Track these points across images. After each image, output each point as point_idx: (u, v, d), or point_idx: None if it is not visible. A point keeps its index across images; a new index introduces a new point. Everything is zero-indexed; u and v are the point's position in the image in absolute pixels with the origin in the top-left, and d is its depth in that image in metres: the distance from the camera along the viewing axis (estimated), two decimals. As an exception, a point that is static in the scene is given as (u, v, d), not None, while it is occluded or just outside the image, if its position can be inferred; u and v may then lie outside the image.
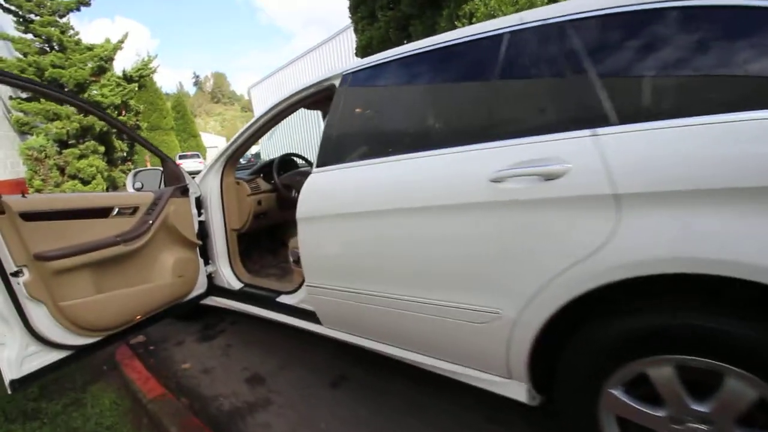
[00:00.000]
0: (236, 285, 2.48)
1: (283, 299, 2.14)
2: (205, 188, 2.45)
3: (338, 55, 16.89)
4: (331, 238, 1.68)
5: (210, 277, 2.54)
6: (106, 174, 9.75)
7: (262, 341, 2.53)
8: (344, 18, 15.80)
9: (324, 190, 1.70)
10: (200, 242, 2.41)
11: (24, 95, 8.73)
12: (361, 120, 1.77)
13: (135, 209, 2.01)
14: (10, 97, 8.63)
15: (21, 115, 8.78)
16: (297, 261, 2.33)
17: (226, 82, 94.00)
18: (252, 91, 24.42)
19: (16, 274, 1.52)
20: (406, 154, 1.43)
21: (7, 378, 1.55)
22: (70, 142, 9.26)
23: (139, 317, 2.01)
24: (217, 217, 2.46)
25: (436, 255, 1.32)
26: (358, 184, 1.56)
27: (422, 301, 1.38)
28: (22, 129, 8.82)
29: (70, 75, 9.10)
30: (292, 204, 1.85)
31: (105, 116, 2.01)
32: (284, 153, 3.01)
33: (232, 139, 2.35)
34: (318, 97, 1.94)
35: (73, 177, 9.18)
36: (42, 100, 8.64)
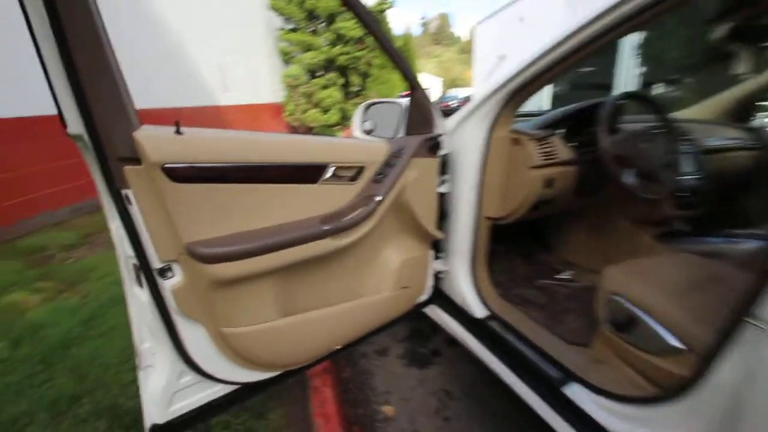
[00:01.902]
0: (477, 310, 1.47)
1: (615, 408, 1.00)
2: (458, 144, 1.41)
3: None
4: None
5: (436, 277, 1.61)
6: (338, 106, 10.43)
7: (496, 399, 1.50)
8: None
9: None
10: (442, 235, 1.46)
11: (289, 26, 9.81)
12: None
13: (358, 171, 1.14)
14: (279, 29, 9.82)
15: (285, 45, 9.97)
16: (623, 326, 1.12)
17: (448, 23, 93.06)
18: (478, 28, 22.54)
19: (162, 272, 0.84)
20: None
21: (149, 420, 0.96)
22: (317, 73, 10.15)
23: (338, 347, 1.23)
24: (467, 194, 1.43)
25: None
26: None
27: None
28: (285, 58, 10.05)
29: (324, 6, 9.66)
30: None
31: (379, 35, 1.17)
32: (628, 92, 1.53)
33: (521, 63, 1.18)
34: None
35: (315, 105, 10.13)
36: (301, 31, 9.54)
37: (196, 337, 0.95)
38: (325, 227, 1.01)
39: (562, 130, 1.56)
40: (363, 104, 1.61)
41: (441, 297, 1.65)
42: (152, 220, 0.80)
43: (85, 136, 0.72)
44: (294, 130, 9.95)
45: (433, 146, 1.31)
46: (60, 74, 0.68)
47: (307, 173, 1.02)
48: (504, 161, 1.42)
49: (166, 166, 0.76)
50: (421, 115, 1.35)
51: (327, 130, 10.45)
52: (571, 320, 1.54)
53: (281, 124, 9.69)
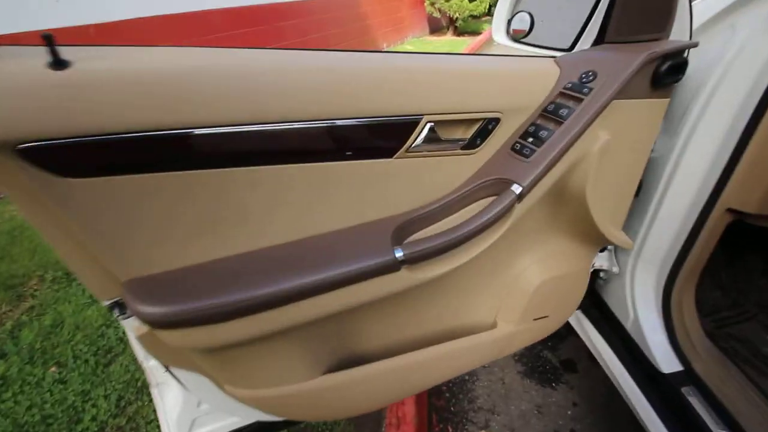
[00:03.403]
0: (662, 359, 0.88)
1: None
2: (707, 62, 0.67)
3: None
4: None
5: (597, 277, 1.02)
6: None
7: None
8: None
9: None
10: (631, 245, 0.82)
11: None
12: None
13: (485, 128, 0.57)
14: None
15: None
16: None
17: None
18: None
19: (113, 309, 0.50)
20: None
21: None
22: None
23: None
24: (700, 165, 0.72)
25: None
26: None
27: None
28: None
29: None
30: None
31: None
32: None
33: None
34: None
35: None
36: None
37: (196, 381, 0.65)
38: (405, 252, 0.52)
39: None
40: None
41: (594, 303, 1.07)
42: (56, 240, 0.43)
43: None
44: (434, 23, 8.70)
45: (666, 72, 0.60)
46: None
47: (370, 139, 0.51)
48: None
49: (23, 147, 0.35)
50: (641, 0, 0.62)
51: (473, 24, 8.85)
52: None
53: (420, 15, 8.51)
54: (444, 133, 0.55)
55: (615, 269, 0.99)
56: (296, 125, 0.46)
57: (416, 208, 0.57)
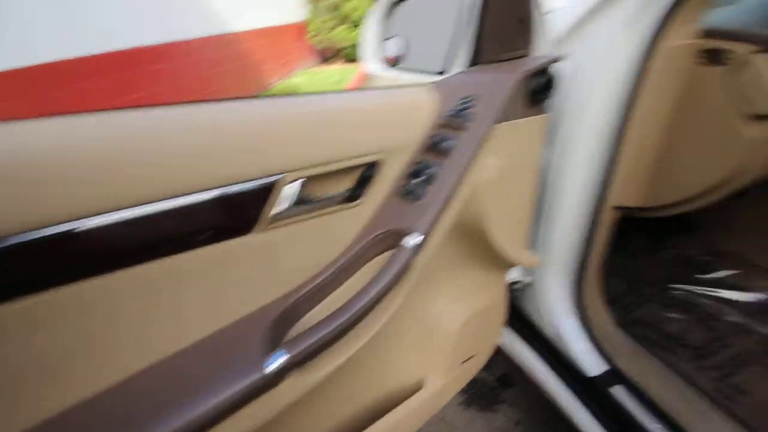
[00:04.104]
0: (586, 362, 0.88)
1: None
2: (574, 69, 0.68)
3: None
4: None
5: (513, 289, 1.00)
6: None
7: None
8: None
9: None
10: (538, 262, 0.80)
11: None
12: None
13: (365, 175, 0.48)
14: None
15: (302, -53, 8.44)
16: None
17: None
18: None
19: None
20: None
21: None
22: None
23: None
24: (584, 167, 0.73)
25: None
26: None
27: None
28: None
29: None
30: None
31: None
32: None
33: None
34: None
35: (344, 20, 8.82)
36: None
37: None
38: (289, 353, 0.39)
39: None
40: (379, 8, 0.84)
41: (514, 315, 1.05)
42: None
43: None
44: (321, 54, 8.84)
45: (539, 88, 0.58)
46: None
47: (214, 216, 0.38)
48: (678, 101, 0.68)
49: None
50: (509, 16, 0.60)
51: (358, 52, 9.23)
52: (756, 381, 0.88)
53: (306, 48, 8.59)
54: (316, 190, 0.45)
55: (528, 279, 0.98)
56: (97, 221, 0.32)
57: (295, 288, 0.46)
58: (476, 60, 0.63)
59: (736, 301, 1.08)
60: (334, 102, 0.50)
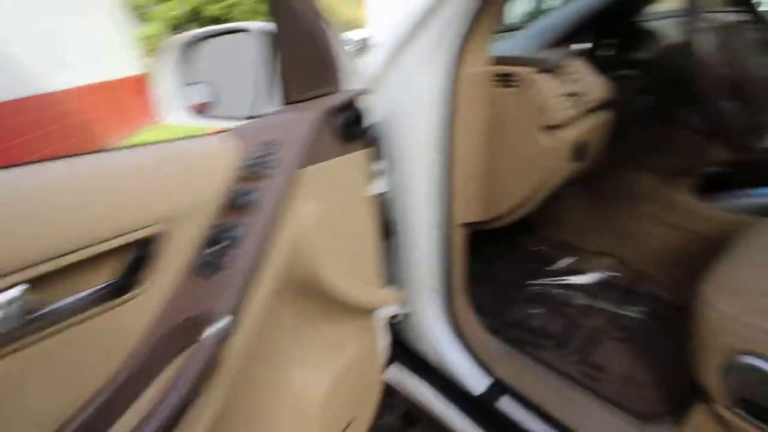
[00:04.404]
0: (470, 379, 0.88)
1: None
2: (392, 102, 0.69)
3: None
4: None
5: (393, 326, 0.95)
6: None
7: None
8: None
9: None
10: (397, 306, 0.77)
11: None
12: None
13: (141, 254, 0.36)
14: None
15: (134, -3, 7.87)
16: None
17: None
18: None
19: None
20: None
21: None
22: (182, 30, 8.29)
23: None
24: (424, 191, 0.75)
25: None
26: None
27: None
28: (139, 14, 7.97)
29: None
30: None
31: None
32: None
33: None
34: None
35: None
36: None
37: None
38: None
39: (585, 45, 0.87)
40: (174, 41, 0.73)
41: (404, 351, 1.01)
42: None
43: None
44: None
45: (349, 123, 0.55)
46: None
47: None
48: (487, 121, 0.73)
49: None
50: (311, 53, 0.56)
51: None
52: (609, 355, 0.98)
53: (147, 102, 7.81)
54: (64, 287, 0.32)
55: (406, 309, 0.95)
56: None
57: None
58: (284, 101, 0.58)
59: (581, 285, 1.22)
60: (100, 162, 0.38)
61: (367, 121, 0.57)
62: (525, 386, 0.86)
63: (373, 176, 0.63)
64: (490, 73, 0.73)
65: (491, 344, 0.97)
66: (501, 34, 1.01)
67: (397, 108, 0.73)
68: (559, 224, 1.40)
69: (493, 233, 0.94)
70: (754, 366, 0.57)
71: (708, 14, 0.73)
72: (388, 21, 0.77)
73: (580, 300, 1.16)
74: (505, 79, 0.73)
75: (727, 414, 0.63)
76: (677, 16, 0.98)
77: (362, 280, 0.64)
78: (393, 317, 0.97)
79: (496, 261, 1.36)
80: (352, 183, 0.59)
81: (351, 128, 0.54)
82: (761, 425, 0.58)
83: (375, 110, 0.72)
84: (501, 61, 0.74)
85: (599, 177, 1.20)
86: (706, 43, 0.66)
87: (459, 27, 0.64)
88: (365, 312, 0.71)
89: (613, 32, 0.89)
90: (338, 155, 0.53)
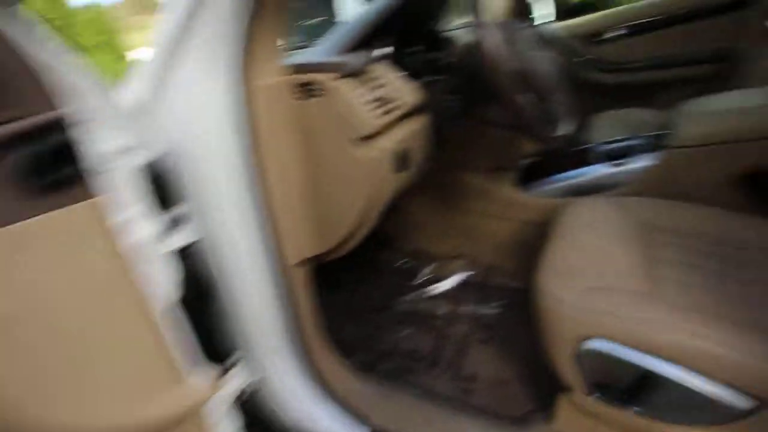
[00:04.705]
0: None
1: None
2: (173, 132, 0.52)
3: None
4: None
5: (245, 402, 0.76)
6: None
7: None
8: None
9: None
10: (215, 374, 0.57)
11: None
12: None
13: None
14: None
15: None
16: (628, 391, 0.58)
17: (150, -15, 78.40)
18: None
19: None
20: None
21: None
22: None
23: None
24: (242, 231, 0.61)
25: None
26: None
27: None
28: None
29: None
30: None
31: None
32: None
33: None
34: None
35: None
36: None
37: None
38: None
39: (387, 49, 0.81)
40: None
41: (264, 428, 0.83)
42: None
43: None
44: None
45: (45, 161, 0.34)
46: None
47: None
48: (297, 140, 0.61)
49: None
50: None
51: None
52: (478, 362, 0.95)
53: None
54: None
55: (256, 377, 0.77)
56: None
57: None
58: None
59: (444, 293, 1.20)
60: None
61: (85, 156, 0.37)
62: (403, 426, 0.77)
63: (115, 232, 0.43)
64: (288, 83, 0.61)
65: (363, 389, 0.85)
66: (298, 50, 0.94)
67: (180, 137, 0.56)
68: (416, 233, 1.38)
69: (349, 257, 0.84)
70: (599, 350, 0.57)
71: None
72: (155, 31, 0.60)
73: (444, 309, 1.14)
74: (307, 89, 0.63)
75: (587, 402, 0.63)
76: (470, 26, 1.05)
77: (129, 385, 0.44)
78: (240, 395, 0.77)
79: (358, 288, 1.26)
80: (69, 252, 0.38)
81: (49, 172, 0.34)
82: (621, 407, 0.59)
83: (150, 142, 0.53)
84: (298, 69, 0.64)
85: (435, 181, 1.21)
86: (491, 39, 0.67)
87: (232, 29, 0.51)
88: (173, 419, 0.50)
89: (415, 38, 0.88)
90: (28, 216, 0.33)
